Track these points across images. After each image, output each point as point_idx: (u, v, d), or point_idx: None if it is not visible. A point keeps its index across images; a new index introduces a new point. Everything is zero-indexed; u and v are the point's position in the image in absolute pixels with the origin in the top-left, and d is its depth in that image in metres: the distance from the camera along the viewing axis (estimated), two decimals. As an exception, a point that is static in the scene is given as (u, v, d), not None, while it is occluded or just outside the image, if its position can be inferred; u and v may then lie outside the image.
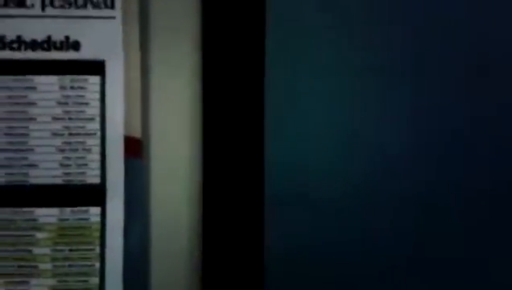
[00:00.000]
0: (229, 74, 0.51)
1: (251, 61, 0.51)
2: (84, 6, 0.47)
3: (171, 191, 0.51)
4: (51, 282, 0.48)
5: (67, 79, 0.47)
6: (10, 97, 0.47)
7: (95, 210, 0.49)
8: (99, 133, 0.48)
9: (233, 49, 0.51)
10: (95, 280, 0.49)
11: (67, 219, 0.48)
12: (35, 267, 0.48)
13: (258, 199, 0.53)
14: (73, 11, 0.47)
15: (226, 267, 0.51)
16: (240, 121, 0.52)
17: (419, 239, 0.61)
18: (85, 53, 0.47)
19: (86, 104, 0.48)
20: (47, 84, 0.47)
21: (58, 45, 0.47)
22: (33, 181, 0.47)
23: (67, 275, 0.48)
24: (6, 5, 0.46)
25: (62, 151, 0.48)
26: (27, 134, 0.47)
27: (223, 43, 0.50)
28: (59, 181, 0.48)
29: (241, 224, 0.53)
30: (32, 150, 0.47)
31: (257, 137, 0.53)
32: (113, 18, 0.47)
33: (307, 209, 0.57)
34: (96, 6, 0.47)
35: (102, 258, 0.49)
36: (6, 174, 0.47)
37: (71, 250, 0.48)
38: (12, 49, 0.47)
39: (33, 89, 0.47)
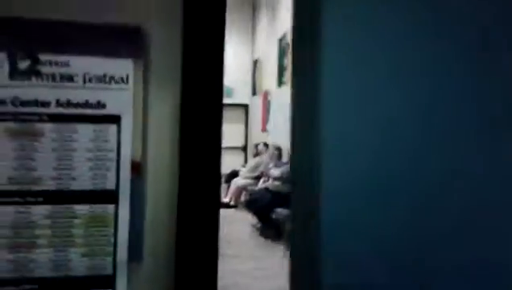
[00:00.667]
0: (198, 122, 0.83)
1: (213, 118, 0.83)
2: (110, 82, 0.78)
3: (159, 196, 0.82)
4: (83, 250, 0.77)
5: (97, 126, 0.78)
6: (61, 136, 0.77)
7: (111, 207, 0.79)
8: (115, 159, 0.79)
9: (203, 105, 0.83)
10: (111, 249, 0.78)
11: (94, 211, 0.78)
12: (73, 241, 0.77)
13: (215, 203, 0.85)
14: (103, 85, 0.78)
15: (190, 241, 0.82)
16: (203, 151, 0.83)
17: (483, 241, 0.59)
18: (109, 110, 0.78)
19: (108, 141, 0.78)
20: (85, 128, 0.77)
21: (92, 105, 0.78)
22: (73, 188, 0.77)
23: (93, 245, 0.78)
24: (61, 80, 0.76)
25: (92, 169, 0.78)
26: (71, 159, 0.77)
27: (196, 99, 0.82)
28: (89, 188, 0.78)
29: (202, 219, 0.84)
30: (73, 168, 0.77)
31: (214, 156, 0.84)
32: (127, 90, 0.79)
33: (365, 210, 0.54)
34: (116, 82, 0.78)
35: (115, 236, 0.79)
36: (57, 183, 0.76)
37: (96, 231, 0.78)
38: (64, 107, 0.77)
39: (76, 132, 0.77)
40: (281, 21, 8.10)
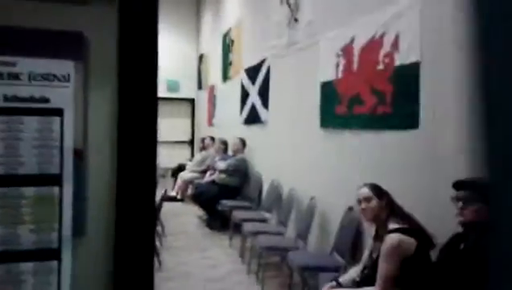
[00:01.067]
0: (134, 114, 0.96)
1: (147, 114, 0.96)
2: (53, 80, 0.89)
3: (97, 178, 0.94)
4: (31, 226, 0.89)
5: (42, 118, 0.89)
6: (9, 127, 0.87)
7: (56, 188, 0.90)
8: (59, 146, 0.90)
9: (138, 100, 0.96)
10: (56, 225, 0.90)
11: (40, 192, 0.89)
12: (22, 218, 0.88)
13: (150, 184, 0.98)
14: (46, 82, 0.89)
15: (128, 218, 0.96)
16: (139, 140, 0.97)
17: None
18: (52, 104, 0.90)
19: (52, 131, 0.90)
20: (31, 120, 0.88)
21: (37, 100, 0.89)
22: (21, 172, 0.88)
23: (40, 222, 0.89)
24: (8, 78, 0.87)
25: (38, 155, 0.89)
26: (18, 147, 0.88)
27: (131, 96, 0.95)
28: (36, 172, 0.89)
29: (139, 198, 0.97)
30: (21, 155, 0.88)
31: (150, 145, 0.98)
32: (69, 87, 0.90)
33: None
34: (59, 80, 0.90)
35: (60, 214, 0.91)
36: (6, 168, 0.87)
37: (42, 210, 0.89)
38: (11, 101, 0.87)
39: (22, 123, 0.88)
40: (225, 17, 8.22)
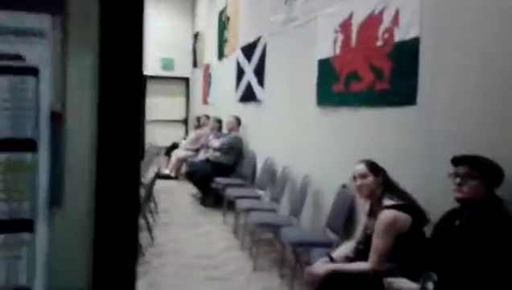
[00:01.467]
0: (117, 73, 0.88)
1: (132, 75, 0.89)
2: (27, 36, 0.81)
3: (77, 143, 0.87)
4: (2, 195, 0.82)
5: (14, 78, 0.81)
6: (-22, 86, 0.80)
7: (30, 154, 0.83)
8: (34, 108, 0.83)
9: (121, 62, 0.88)
10: (30, 194, 0.83)
11: (13, 158, 0.82)
12: (-7, 186, 0.81)
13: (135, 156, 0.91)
14: (20, 38, 0.81)
15: (110, 187, 0.89)
16: (122, 102, 0.89)
17: None
18: (28, 63, 0.82)
19: (26, 92, 0.82)
20: (2, 80, 0.81)
21: (9, 57, 0.81)
22: (-8, 136, 0.81)
23: (11, 190, 0.82)
24: (-23, 32, 0.79)
25: (10, 118, 0.82)
26: (-11, 108, 0.80)
27: (113, 57, 0.88)
28: (8, 136, 0.82)
29: (121, 165, 0.91)
30: (-8, 118, 0.81)
31: (135, 112, 0.90)
32: (45, 44, 0.82)
33: None
34: (34, 35, 0.82)
35: (35, 182, 0.84)
36: (-25, 131, 0.80)
37: (15, 177, 0.83)
38: (-20, 58, 0.80)
39: (-7, 82, 0.80)
40: (222, -8, 8.03)
